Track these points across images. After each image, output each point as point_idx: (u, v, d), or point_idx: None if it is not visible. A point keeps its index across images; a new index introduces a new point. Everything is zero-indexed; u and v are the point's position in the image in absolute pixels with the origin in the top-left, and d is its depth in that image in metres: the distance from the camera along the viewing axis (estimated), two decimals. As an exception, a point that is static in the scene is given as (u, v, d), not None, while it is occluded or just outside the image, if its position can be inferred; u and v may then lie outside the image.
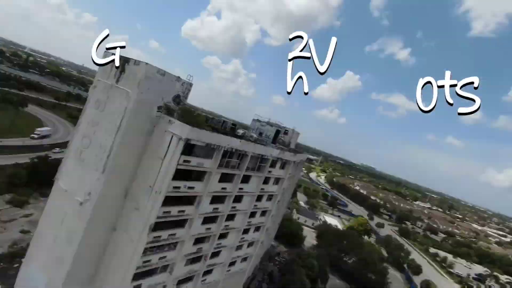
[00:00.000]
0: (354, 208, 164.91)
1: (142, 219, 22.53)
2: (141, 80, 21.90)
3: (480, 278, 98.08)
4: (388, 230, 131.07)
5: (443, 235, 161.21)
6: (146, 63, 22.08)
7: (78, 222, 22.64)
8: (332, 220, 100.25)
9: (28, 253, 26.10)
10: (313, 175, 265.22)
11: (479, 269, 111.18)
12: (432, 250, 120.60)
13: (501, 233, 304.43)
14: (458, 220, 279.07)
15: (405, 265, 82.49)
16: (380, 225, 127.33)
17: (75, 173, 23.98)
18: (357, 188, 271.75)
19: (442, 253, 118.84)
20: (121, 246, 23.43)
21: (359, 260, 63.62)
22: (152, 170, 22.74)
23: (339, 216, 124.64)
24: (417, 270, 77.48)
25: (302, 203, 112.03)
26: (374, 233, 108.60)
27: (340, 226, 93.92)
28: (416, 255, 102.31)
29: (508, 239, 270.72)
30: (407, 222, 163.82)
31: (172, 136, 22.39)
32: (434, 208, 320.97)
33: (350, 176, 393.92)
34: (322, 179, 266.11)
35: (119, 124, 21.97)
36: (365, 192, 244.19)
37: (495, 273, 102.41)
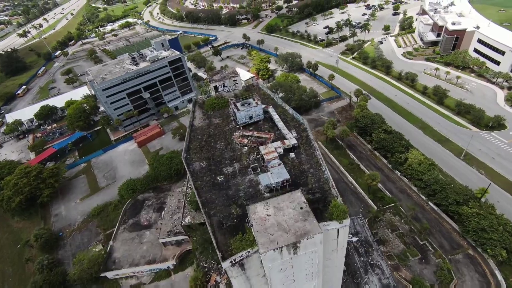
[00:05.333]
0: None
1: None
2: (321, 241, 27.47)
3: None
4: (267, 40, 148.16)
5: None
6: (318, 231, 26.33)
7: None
8: (244, 73, 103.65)
9: None
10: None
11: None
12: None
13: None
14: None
15: (305, 67, 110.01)
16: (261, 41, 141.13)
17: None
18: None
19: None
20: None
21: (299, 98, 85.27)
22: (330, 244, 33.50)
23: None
24: (315, 67, 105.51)
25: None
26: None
27: (249, 75, 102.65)
28: (301, 48, 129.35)
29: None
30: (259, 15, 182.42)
31: (337, 229, 31.56)
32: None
33: None
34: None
35: (317, 262, 29.79)
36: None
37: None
